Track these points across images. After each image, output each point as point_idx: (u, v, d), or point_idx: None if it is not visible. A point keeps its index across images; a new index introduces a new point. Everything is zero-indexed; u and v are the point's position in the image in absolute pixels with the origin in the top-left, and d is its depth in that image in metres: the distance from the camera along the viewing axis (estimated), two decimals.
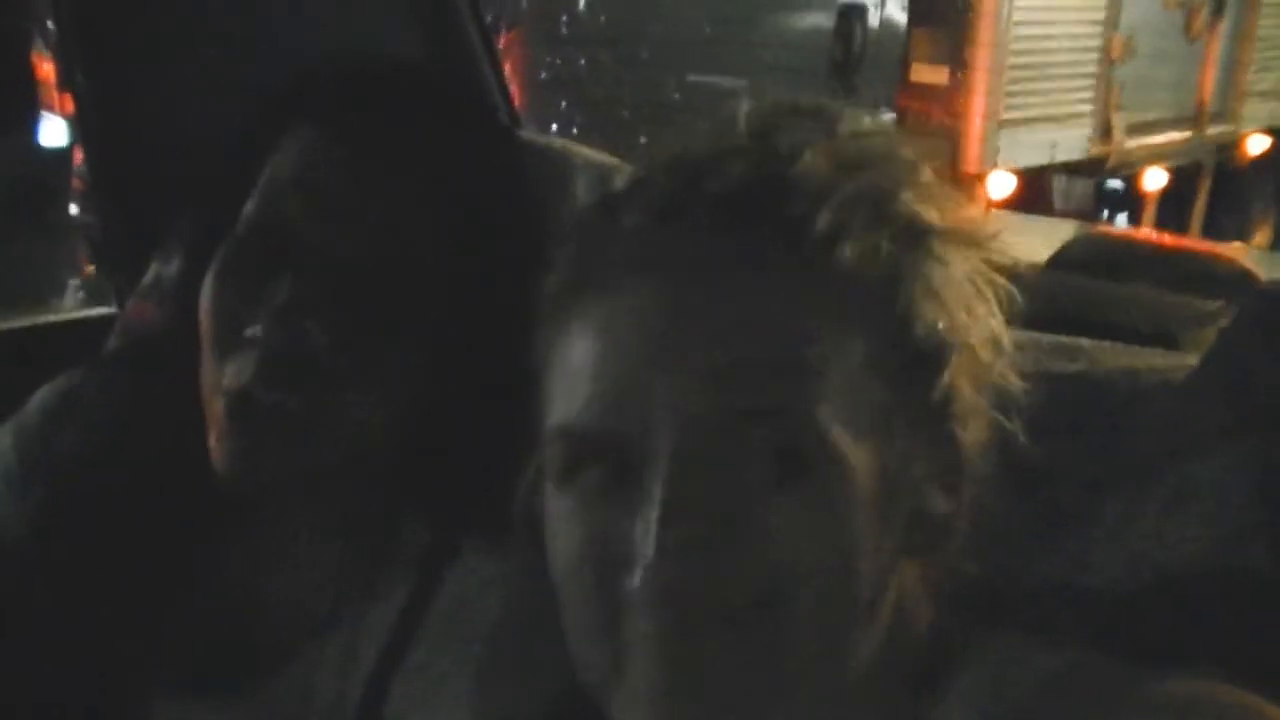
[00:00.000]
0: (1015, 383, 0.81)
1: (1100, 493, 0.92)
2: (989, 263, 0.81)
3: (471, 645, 1.01)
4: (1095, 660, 0.79)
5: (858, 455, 0.74)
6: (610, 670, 0.76)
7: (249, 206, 1.02)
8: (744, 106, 0.82)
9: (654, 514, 0.72)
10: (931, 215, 0.78)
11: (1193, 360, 0.96)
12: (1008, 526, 0.82)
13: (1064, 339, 1.00)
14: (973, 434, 0.79)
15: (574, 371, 0.77)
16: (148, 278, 1.43)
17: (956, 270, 0.78)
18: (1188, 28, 8.30)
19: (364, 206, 1.01)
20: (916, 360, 0.77)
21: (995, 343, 0.80)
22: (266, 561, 1.09)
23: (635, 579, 0.73)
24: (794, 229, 0.75)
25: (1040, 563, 0.91)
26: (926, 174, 0.81)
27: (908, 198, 0.78)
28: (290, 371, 0.98)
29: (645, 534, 0.72)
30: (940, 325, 0.77)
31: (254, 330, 0.98)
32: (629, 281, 0.76)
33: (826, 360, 0.74)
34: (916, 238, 0.77)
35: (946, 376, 0.77)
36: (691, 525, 0.72)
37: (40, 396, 1.21)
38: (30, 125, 4.39)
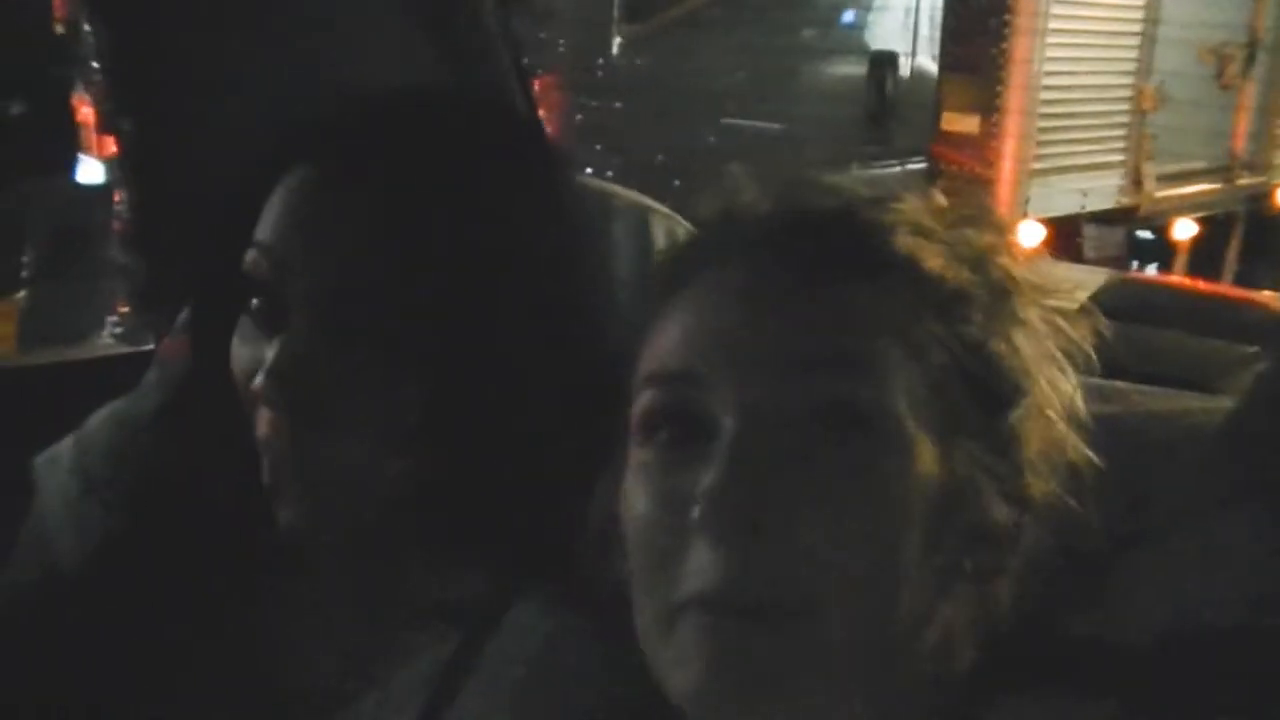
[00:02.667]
0: (1084, 454, 0.84)
1: (1132, 547, 0.92)
2: (1068, 321, 0.85)
3: (511, 703, 1.01)
4: (1128, 714, 0.79)
5: (918, 437, 0.78)
6: (663, 631, 0.79)
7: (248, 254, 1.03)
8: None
9: (719, 461, 0.77)
10: (1018, 274, 0.84)
11: (1227, 403, 0.96)
12: (1040, 576, 0.83)
13: (1098, 381, 1.00)
14: (1036, 481, 0.82)
15: (665, 337, 0.83)
16: (182, 317, 1.44)
17: (1034, 331, 0.84)
18: (1220, 77, 8.29)
19: (350, 251, 1.00)
20: (986, 394, 0.81)
21: (1067, 409, 0.84)
22: (304, 614, 1.09)
23: (694, 514, 0.76)
24: (881, 242, 0.82)
25: (1071, 615, 0.91)
26: (1012, 235, 0.87)
27: (998, 252, 0.84)
28: (296, 420, 0.99)
29: (710, 479, 0.76)
30: (1011, 372, 0.82)
31: (259, 381, 0.99)
32: (723, 270, 0.83)
33: (892, 356, 0.79)
34: (999, 291, 0.83)
35: (1013, 420, 0.81)
36: (753, 471, 0.76)
37: (103, 416, 1.22)
38: (70, 168, 4.44)
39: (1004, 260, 0.85)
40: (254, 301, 1.01)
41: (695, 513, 0.76)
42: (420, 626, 1.05)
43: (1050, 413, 0.83)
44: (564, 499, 0.97)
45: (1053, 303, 0.86)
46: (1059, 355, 0.84)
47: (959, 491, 0.79)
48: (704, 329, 0.81)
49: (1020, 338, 0.83)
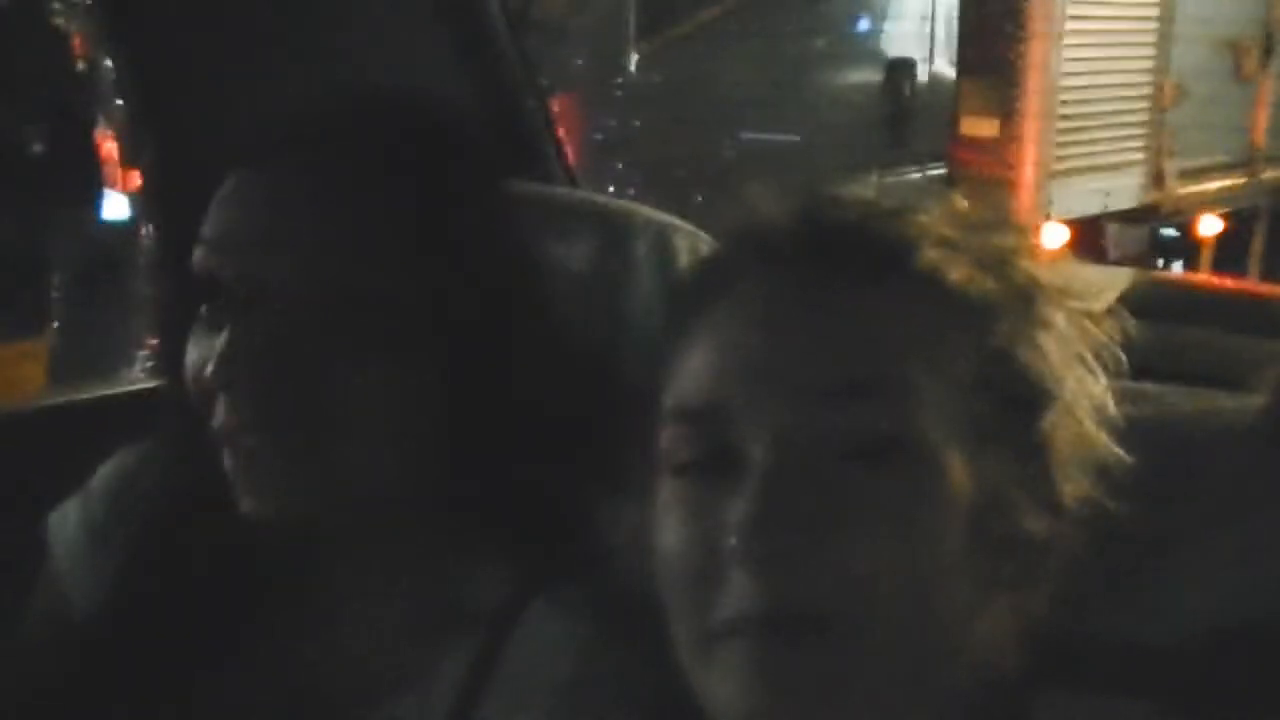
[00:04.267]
0: (1114, 453, 0.84)
1: (1170, 547, 0.91)
2: (1094, 322, 0.85)
3: (540, 708, 1.01)
4: (1166, 714, 0.79)
5: (949, 454, 0.78)
6: (703, 654, 0.79)
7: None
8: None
9: (752, 492, 0.77)
10: (1041, 277, 0.84)
11: (1259, 400, 0.95)
12: (1077, 581, 0.83)
13: (1130, 384, 1.00)
14: (1069, 486, 0.82)
15: (692, 366, 0.83)
16: None
17: (1058, 335, 0.83)
18: (1238, 71, 8.26)
19: (279, 248, 1.01)
20: (1014, 403, 0.81)
21: (1097, 409, 0.84)
22: (331, 624, 1.10)
23: (729, 543, 0.76)
24: (903, 256, 0.81)
25: (1111, 618, 0.91)
26: (1034, 241, 0.87)
27: (1020, 256, 0.85)
28: (255, 412, 1.00)
29: (743, 510, 0.76)
30: (1038, 378, 0.82)
31: (211, 374, 1.00)
32: (744, 293, 0.83)
33: (920, 378, 0.79)
34: (1023, 296, 0.83)
35: (1043, 426, 0.81)
36: (786, 500, 0.76)
37: (106, 469, 1.23)
38: (95, 204, 4.47)
39: (1027, 265, 0.85)
40: (205, 303, 1.03)
41: (730, 542, 0.76)
42: (442, 632, 1.06)
43: (1080, 416, 0.83)
44: (570, 501, 0.97)
45: (1079, 305, 0.86)
46: (1087, 358, 0.84)
47: (993, 503, 0.79)
48: (729, 358, 0.81)
49: (1047, 342, 0.83)
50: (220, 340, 1.00)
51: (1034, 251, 0.86)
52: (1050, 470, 0.82)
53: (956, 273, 0.81)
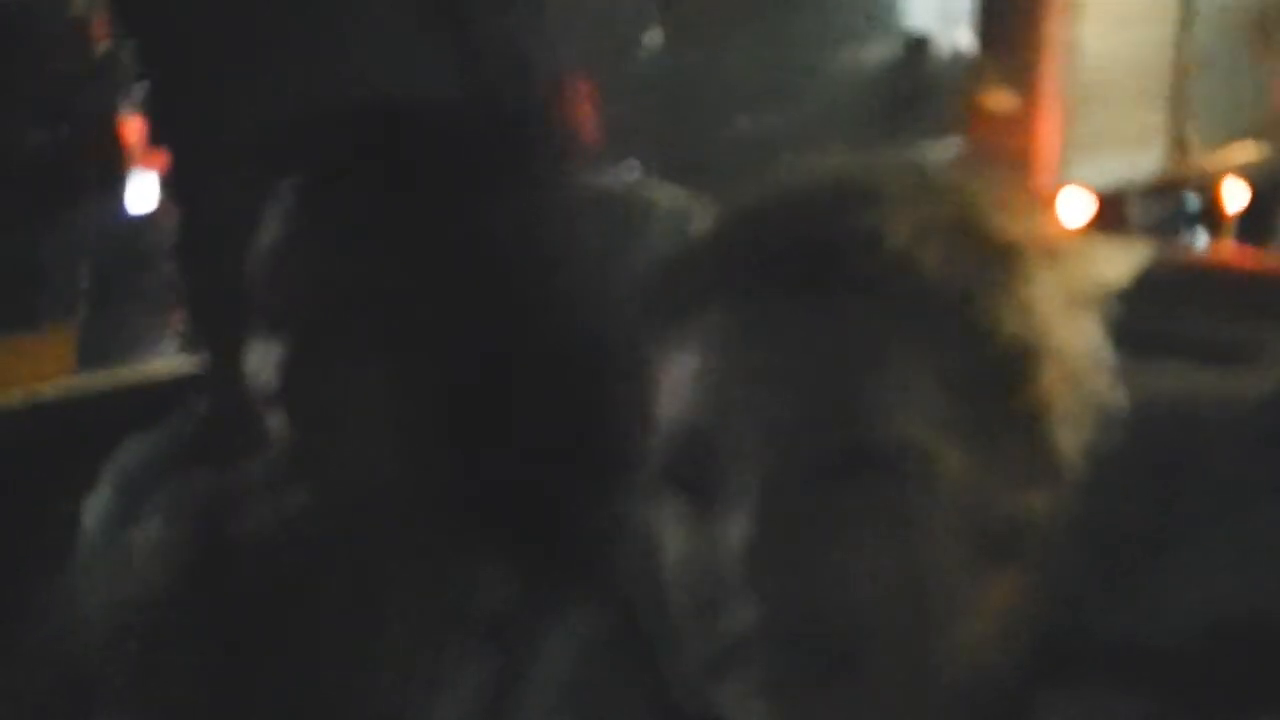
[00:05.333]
0: (1114, 393, 0.85)
1: (1169, 544, 0.92)
2: (1074, 281, 0.85)
3: (540, 708, 1.02)
4: (1174, 711, 0.80)
5: (944, 452, 0.79)
6: (712, 674, 0.81)
7: None
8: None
9: (752, 505, 0.79)
10: (1015, 234, 0.84)
11: (1258, 378, 0.96)
12: (1076, 581, 0.83)
13: (1133, 363, 1.00)
14: (1070, 440, 0.82)
15: (677, 384, 0.83)
16: None
17: (1043, 285, 0.84)
18: (1262, 43, 8.18)
19: (335, 256, 1.03)
20: (1005, 370, 0.81)
21: (1092, 352, 0.84)
22: (330, 624, 1.11)
23: (730, 563, 0.79)
24: (873, 247, 0.82)
25: (1110, 617, 0.91)
26: (1009, 197, 0.88)
27: (989, 216, 0.85)
28: (299, 417, 1.01)
29: (745, 524, 0.79)
30: (1027, 335, 0.80)
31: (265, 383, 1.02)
32: (725, 304, 0.84)
33: (908, 378, 0.80)
34: (1000, 254, 0.83)
35: (1039, 384, 0.81)
36: (788, 510, 0.79)
37: (138, 442, 1.25)
38: (121, 187, 4.49)
39: (1005, 222, 0.85)
40: (257, 311, 1.05)
41: (731, 563, 0.77)
42: (442, 632, 1.07)
43: (1073, 362, 0.83)
44: (571, 501, 0.99)
45: (1088, 276, 0.86)
46: (1075, 304, 0.85)
47: (992, 487, 0.80)
48: (716, 378, 0.82)
49: (1029, 297, 0.84)
50: (275, 351, 1.02)
51: (1021, 214, 0.86)
52: (1050, 427, 0.82)
53: (929, 254, 0.81)
